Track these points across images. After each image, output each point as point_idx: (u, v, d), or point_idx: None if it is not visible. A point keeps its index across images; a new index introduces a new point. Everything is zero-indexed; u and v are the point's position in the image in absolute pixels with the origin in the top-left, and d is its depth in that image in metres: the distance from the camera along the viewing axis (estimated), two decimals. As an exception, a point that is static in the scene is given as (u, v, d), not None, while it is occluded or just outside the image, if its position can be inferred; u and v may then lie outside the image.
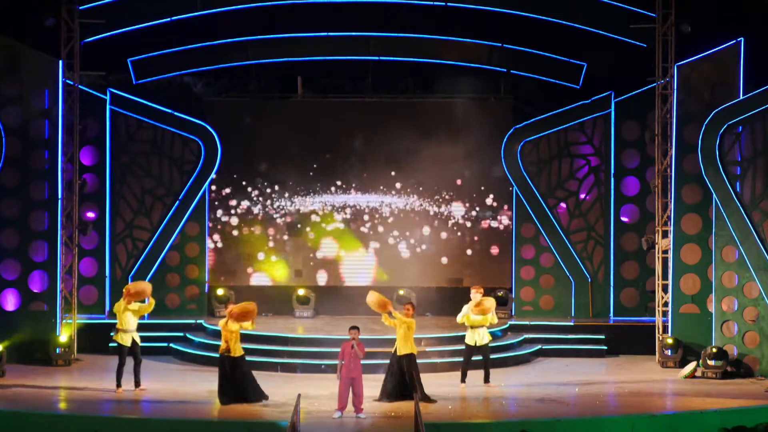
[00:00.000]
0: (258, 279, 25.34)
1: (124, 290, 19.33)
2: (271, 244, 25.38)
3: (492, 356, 21.71)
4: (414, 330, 18.61)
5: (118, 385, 18.96)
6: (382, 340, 21.79)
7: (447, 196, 25.23)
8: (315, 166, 25.27)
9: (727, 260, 21.16)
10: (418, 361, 18.64)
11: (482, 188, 25.16)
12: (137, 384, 19.06)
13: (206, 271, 24.78)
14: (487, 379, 19.64)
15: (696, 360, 21.05)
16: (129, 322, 19.04)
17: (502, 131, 24.64)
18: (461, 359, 20.60)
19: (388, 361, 19.26)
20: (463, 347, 19.91)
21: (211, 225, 25.03)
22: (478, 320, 19.61)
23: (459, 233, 25.24)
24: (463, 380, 19.58)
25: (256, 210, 25.30)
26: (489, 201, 25.17)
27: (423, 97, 25.37)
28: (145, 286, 19.56)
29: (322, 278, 25.39)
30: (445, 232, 25.27)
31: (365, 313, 24.40)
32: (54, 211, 22.10)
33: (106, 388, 19.27)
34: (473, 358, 19.78)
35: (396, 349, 18.53)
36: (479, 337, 19.58)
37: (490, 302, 19.71)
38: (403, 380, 18.35)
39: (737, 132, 21.13)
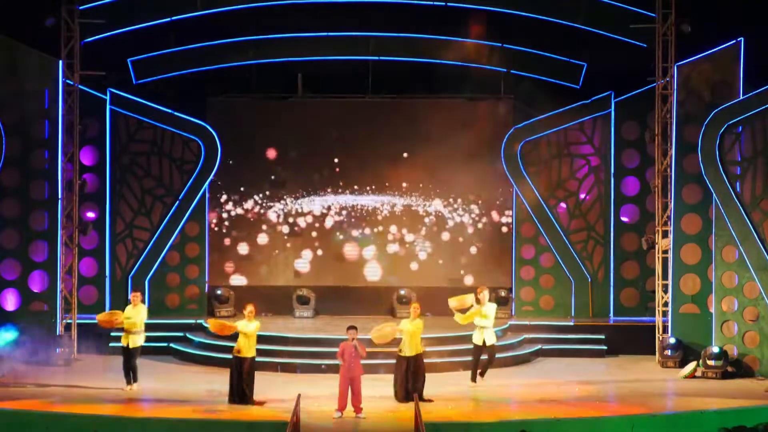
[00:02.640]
0: (258, 279, 25.31)
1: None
2: (270, 243, 25.35)
3: (492, 356, 21.81)
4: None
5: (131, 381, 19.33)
6: (382, 340, 21.82)
7: (446, 196, 25.22)
8: (315, 165, 25.25)
9: (727, 260, 21.16)
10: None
11: (482, 188, 25.15)
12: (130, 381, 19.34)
13: (206, 271, 24.78)
14: (482, 375, 19.68)
15: (696, 360, 21.06)
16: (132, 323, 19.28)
17: (502, 131, 24.64)
18: (460, 359, 20.69)
19: (388, 361, 19.29)
20: (469, 347, 19.95)
21: (210, 224, 25.01)
22: (474, 312, 19.61)
23: (459, 233, 25.23)
24: (473, 379, 19.65)
25: (255, 209, 25.28)
26: (489, 201, 25.16)
27: (423, 97, 25.35)
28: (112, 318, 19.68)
29: (322, 278, 25.37)
30: (446, 232, 25.26)
31: (365, 312, 24.53)
32: (54, 211, 22.11)
33: (106, 387, 19.29)
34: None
35: (411, 348, 18.52)
36: (488, 336, 19.62)
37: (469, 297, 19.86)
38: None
39: (737, 132, 21.14)
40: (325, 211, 25.32)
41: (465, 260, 25.24)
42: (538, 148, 24.68)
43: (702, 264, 21.83)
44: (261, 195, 25.28)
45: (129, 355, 19.26)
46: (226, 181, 25.09)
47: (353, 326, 17.84)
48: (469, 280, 25.05)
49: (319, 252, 25.36)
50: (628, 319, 23.90)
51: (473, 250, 25.24)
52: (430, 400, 18.25)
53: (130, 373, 19.27)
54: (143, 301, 19.99)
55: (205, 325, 18.83)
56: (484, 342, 19.64)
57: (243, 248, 25.31)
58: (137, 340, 19.29)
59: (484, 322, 19.62)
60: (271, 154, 25.22)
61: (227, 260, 25.25)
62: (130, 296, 19.94)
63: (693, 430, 16.24)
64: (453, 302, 19.87)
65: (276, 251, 25.34)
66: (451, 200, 25.22)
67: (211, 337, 22.69)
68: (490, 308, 19.71)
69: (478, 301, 19.81)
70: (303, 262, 25.37)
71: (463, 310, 19.82)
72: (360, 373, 17.53)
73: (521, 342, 22.84)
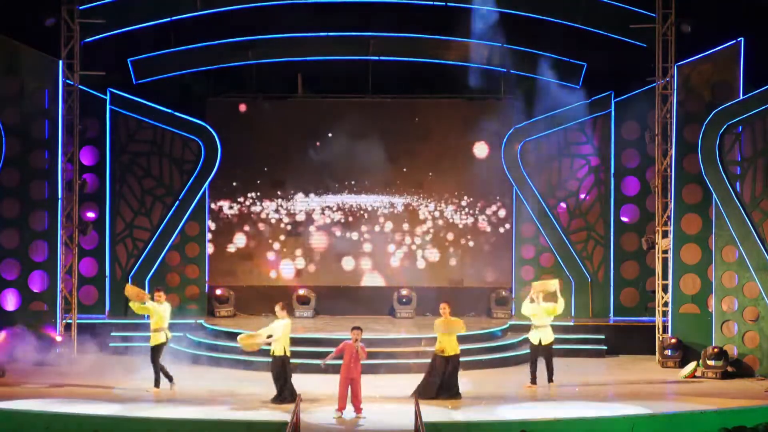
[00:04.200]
0: (258, 279, 25.31)
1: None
2: (270, 243, 25.36)
3: (492, 356, 21.84)
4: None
5: (170, 380, 19.28)
6: (383, 340, 21.83)
7: (447, 196, 25.22)
8: (314, 165, 25.24)
9: (727, 260, 21.16)
10: (419, 360, 18.80)
11: (482, 188, 25.15)
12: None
13: (206, 271, 24.78)
14: (551, 378, 19.69)
15: (696, 360, 21.06)
16: (154, 321, 19.29)
17: (502, 131, 24.65)
18: (460, 359, 20.70)
19: (389, 361, 19.30)
20: (468, 347, 19.93)
21: (210, 225, 25.02)
22: (545, 310, 19.61)
23: (459, 233, 25.23)
24: (533, 381, 19.64)
25: (255, 209, 25.28)
26: (489, 201, 25.17)
27: (423, 97, 25.35)
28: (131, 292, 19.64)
29: (322, 278, 25.37)
30: (446, 233, 25.26)
31: (365, 312, 24.54)
32: (54, 211, 22.12)
33: (106, 387, 19.30)
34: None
35: (444, 350, 18.61)
36: (544, 335, 19.63)
37: (553, 282, 19.82)
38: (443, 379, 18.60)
39: (737, 132, 21.13)
40: (324, 210, 25.32)
41: (465, 260, 25.25)
42: (538, 148, 24.68)
43: (702, 264, 21.83)
44: (261, 194, 25.27)
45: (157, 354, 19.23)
46: (226, 181, 25.09)
47: (358, 327, 17.83)
48: (469, 281, 25.10)
49: (319, 252, 25.36)
50: (628, 319, 23.89)
51: (473, 250, 25.23)
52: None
53: (160, 371, 19.24)
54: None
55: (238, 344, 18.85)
56: (540, 341, 19.65)
57: (243, 248, 25.30)
58: (160, 337, 19.29)
59: (539, 321, 19.65)
60: (271, 153, 25.18)
61: (227, 260, 25.26)
62: (155, 295, 19.69)
63: (693, 430, 16.22)
64: (537, 286, 20.02)
65: (276, 251, 25.33)
66: (451, 200, 25.22)
67: (211, 337, 22.71)
68: (546, 307, 19.79)
69: (531, 300, 19.91)
70: (303, 262, 25.36)
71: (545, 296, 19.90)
72: (359, 374, 17.52)
73: (521, 342, 22.78)
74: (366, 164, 25.19)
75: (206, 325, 23.36)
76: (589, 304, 24.41)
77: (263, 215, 25.31)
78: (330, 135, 25.04)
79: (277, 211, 25.31)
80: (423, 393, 18.26)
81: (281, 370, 18.20)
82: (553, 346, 19.90)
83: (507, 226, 25.11)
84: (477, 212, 25.22)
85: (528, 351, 20.15)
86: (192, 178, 24.49)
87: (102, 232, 24.11)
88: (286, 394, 18.08)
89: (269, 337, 18.23)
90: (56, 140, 22.06)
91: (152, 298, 19.67)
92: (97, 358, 21.97)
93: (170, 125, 24.44)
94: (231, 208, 25.27)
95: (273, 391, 18.30)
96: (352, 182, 25.30)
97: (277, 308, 18.51)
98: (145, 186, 24.65)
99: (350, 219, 25.34)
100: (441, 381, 18.54)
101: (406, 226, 25.32)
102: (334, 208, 25.33)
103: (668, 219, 22.26)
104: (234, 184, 25.23)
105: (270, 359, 18.36)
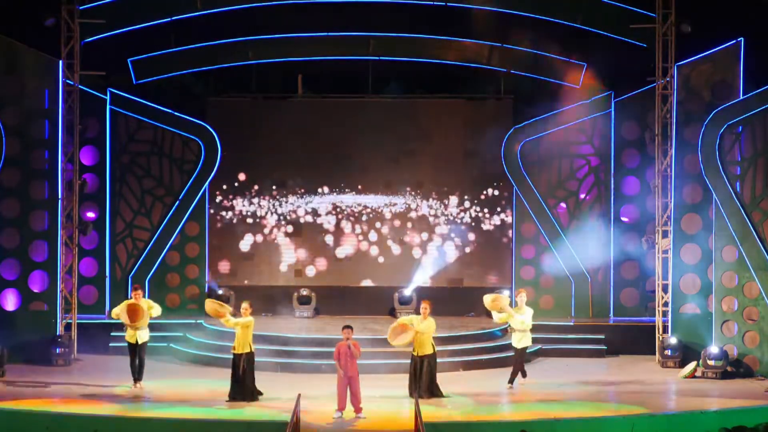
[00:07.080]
0: (258, 279, 25.32)
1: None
2: (270, 243, 25.36)
3: (491, 356, 21.83)
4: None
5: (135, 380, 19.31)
6: (383, 340, 21.79)
7: (447, 196, 25.22)
8: (315, 165, 25.25)
9: (727, 260, 21.16)
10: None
11: (482, 188, 25.16)
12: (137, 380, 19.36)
13: (206, 271, 24.78)
14: (511, 381, 19.66)
15: (696, 360, 21.06)
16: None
17: (502, 131, 24.65)
18: (460, 359, 20.74)
19: (389, 361, 19.29)
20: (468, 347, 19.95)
21: (210, 225, 25.01)
22: (502, 318, 19.65)
23: (459, 233, 25.23)
24: (523, 376, 19.70)
25: (255, 210, 25.29)
26: (489, 201, 25.17)
27: (423, 97, 25.36)
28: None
29: (322, 278, 25.37)
30: (445, 233, 25.27)
31: (365, 313, 24.55)
32: (54, 211, 22.11)
33: (106, 387, 19.30)
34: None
35: (415, 348, 18.68)
36: (516, 339, 19.63)
37: (494, 299, 19.69)
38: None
39: (737, 132, 21.14)
40: (325, 210, 25.32)
41: (465, 260, 25.25)
42: (538, 148, 24.68)
43: (702, 264, 21.83)
44: (260, 194, 25.28)
45: (138, 352, 19.24)
46: (226, 181, 25.10)
47: (348, 326, 17.81)
48: (469, 281, 25.12)
49: (320, 252, 25.35)
50: (628, 319, 23.89)
51: (473, 250, 25.23)
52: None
53: (138, 370, 19.26)
54: (144, 297, 19.85)
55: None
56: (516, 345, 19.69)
57: (243, 248, 25.32)
58: (144, 335, 19.29)
59: (517, 326, 19.62)
60: (271, 154, 25.18)
61: (227, 260, 25.27)
62: (131, 293, 19.82)
63: (693, 430, 16.23)
64: (488, 300, 19.85)
65: (276, 251, 25.33)
66: (451, 200, 25.22)
67: (211, 337, 22.71)
68: (527, 313, 19.68)
69: (516, 303, 19.92)
70: (303, 262, 25.36)
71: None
72: (356, 373, 17.50)
73: (521, 342, 22.84)
74: (366, 164, 25.22)
75: (206, 325, 23.34)
76: (589, 304, 24.41)
77: (263, 215, 25.31)
78: (330, 135, 25.04)
79: (276, 210, 25.31)
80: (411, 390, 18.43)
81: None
82: (527, 350, 19.91)
83: (507, 226, 25.10)
84: (477, 212, 25.22)
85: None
86: (192, 178, 24.49)
87: (102, 232, 24.11)
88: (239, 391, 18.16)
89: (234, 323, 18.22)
90: (56, 140, 22.05)
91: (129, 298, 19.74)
92: (97, 358, 21.99)
93: (170, 125, 24.44)
94: (231, 208, 25.27)
95: (270, 391, 18.30)
96: (352, 182, 25.30)
97: (246, 305, 18.47)
98: (145, 186, 24.65)
99: (350, 219, 25.34)
100: (416, 379, 18.56)
101: (405, 226, 25.32)
102: (334, 208, 25.34)
103: (668, 219, 22.26)
104: (234, 184, 25.23)
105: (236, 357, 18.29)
